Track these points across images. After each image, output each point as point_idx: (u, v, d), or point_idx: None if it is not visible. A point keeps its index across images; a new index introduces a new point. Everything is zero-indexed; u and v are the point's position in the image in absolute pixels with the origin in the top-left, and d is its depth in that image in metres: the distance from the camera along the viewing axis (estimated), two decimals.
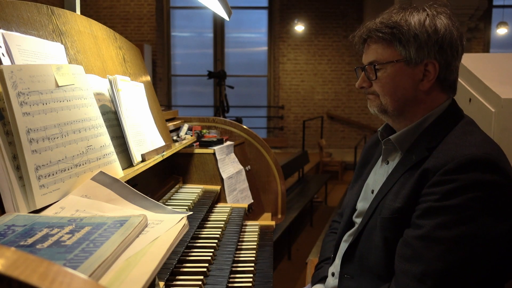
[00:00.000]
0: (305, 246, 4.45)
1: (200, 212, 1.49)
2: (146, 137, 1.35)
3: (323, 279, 1.35)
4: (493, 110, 1.71)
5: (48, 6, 1.11)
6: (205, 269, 1.14)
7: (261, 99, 10.66)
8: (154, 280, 0.84)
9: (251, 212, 2.05)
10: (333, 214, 5.01)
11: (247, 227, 1.75)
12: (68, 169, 0.90)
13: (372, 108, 1.20)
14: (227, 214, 1.68)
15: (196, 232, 1.40)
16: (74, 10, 1.45)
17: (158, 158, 1.34)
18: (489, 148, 1.01)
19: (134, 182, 1.27)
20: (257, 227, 1.75)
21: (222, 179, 1.89)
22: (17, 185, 0.79)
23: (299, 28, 9.99)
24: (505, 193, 0.97)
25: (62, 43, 1.10)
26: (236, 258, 1.35)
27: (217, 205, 1.82)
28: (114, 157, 1.08)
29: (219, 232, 1.44)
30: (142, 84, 1.48)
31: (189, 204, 1.54)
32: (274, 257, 1.48)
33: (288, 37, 10.21)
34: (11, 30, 0.93)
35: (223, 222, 1.56)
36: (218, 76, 7.35)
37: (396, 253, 1.04)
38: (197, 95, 10.67)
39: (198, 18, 10.50)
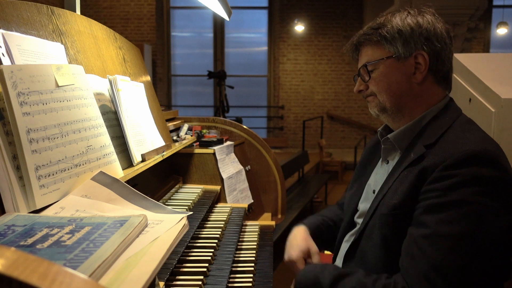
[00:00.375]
0: None
1: (200, 212, 1.49)
2: (146, 137, 1.35)
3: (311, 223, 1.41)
4: (493, 110, 1.71)
5: (48, 6, 1.11)
6: (205, 269, 1.14)
7: (261, 99, 10.67)
8: (154, 280, 0.84)
9: (251, 212, 2.05)
10: None
11: (247, 227, 1.75)
12: (68, 169, 0.90)
13: (372, 109, 1.22)
14: (227, 214, 1.68)
15: (196, 232, 1.40)
16: (74, 10, 1.45)
17: (158, 158, 1.34)
18: (488, 144, 1.01)
19: (134, 182, 1.27)
20: (257, 227, 1.75)
21: (222, 179, 1.89)
22: (17, 185, 0.79)
23: (299, 28, 9.99)
24: (504, 187, 0.97)
25: (62, 43, 1.10)
26: (236, 258, 1.35)
27: (217, 205, 1.82)
28: (114, 157, 1.08)
29: (219, 232, 1.44)
30: (142, 84, 1.48)
31: (189, 204, 1.54)
32: (274, 257, 1.48)
33: (288, 37, 10.21)
34: (11, 30, 0.93)
35: (223, 222, 1.57)
36: (218, 76, 7.34)
37: (402, 251, 1.04)
38: (197, 95, 10.67)
39: (198, 18, 10.50)
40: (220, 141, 2.00)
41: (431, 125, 1.12)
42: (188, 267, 1.16)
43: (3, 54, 0.86)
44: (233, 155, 2.09)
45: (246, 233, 1.67)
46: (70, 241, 0.67)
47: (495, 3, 9.92)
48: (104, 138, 1.06)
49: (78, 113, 0.97)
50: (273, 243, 1.62)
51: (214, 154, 1.89)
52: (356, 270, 1.10)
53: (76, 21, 1.23)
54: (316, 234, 1.39)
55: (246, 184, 2.09)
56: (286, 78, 10.30)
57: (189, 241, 1.28)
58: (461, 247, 0.95)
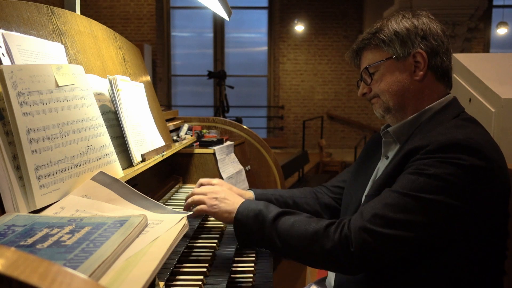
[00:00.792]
0: None
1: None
2: (146, 137, 1.35)
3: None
4: (493, 110, 1.71)
5: (48, 6, 1.11)
6: (205, 269, 1.14)
7: (261, 99, 10.66)
8: (154, 280, 0.84)
9: None
10: None
11: None
12: (68, 169, 0.90)
13: (377, 110, 1.25)
14: None
15: (196, 232, 1.40)
16: (74, 10, 1.45)
17: (158, 158, 1.34)
18: (475, 135, 1.03)
19: (134, 182, 1.27)
20: None
21: (222, 179, 1.89)
22: (17, 185, 0.79)
23: (299, 28, 9.99)
24: (484, 176, 0.98)
25: (62, 43, 1.10)
26: (236, 258, 1.35)
27: None
28: (114, 157, 1.08)
29: (219, 232, 1.44)
30: (142, 84, 1.48)
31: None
32: (274, 257, 1.48)
33: (288, 37, 10.21)
34: (11, 30, 0.93)
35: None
36: (218, 76, 7.34)
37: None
38: (197, 95, 10.67)
39: (198, 18, 10.50)
40: (220, 141, 2.00)
41: (430, 121, 1.14)
42: (188, 267, 1.16)
43: (3, 54, 0.86)
44: (233, 155, 2.09)
45: None
46: (70, 241, 0.68)
47: (495, 3, 9.92)
48: (104, 138, 1.06)
49: (78, 113, 0.97)
50: None
51: (214, 154, 1.89)
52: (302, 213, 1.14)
53: (76, 21, 1.23)
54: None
55: (246, 184, 2.09)
56: (286, 78, 10.30)
57: (189, 241, 1.28)
58: (415, 210, 0.97)
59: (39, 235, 0.69)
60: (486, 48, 10.06)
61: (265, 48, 10.58)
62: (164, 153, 1.40)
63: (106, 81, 1.25)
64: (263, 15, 10.59)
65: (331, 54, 10.17)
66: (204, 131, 2.13)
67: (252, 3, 10.60)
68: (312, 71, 10.26)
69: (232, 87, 7.61)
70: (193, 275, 1.11)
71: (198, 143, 1.98)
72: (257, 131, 2.58)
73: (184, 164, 1.91)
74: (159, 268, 0.69)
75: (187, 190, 1.78)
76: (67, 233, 0.71)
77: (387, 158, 1.24)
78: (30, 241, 0.67)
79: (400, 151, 1.13)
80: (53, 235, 0.69)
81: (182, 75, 10.66)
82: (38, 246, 0.65)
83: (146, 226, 0.84)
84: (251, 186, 2.13)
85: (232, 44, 10.69)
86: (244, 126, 2.26)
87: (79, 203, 0.87)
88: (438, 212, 0.98)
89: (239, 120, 7.09)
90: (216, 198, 1.21)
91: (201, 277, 1.10)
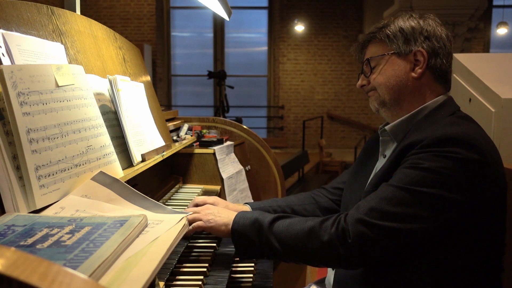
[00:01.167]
0: None
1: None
2: (146, 137, 1.35)
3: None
4: (493, 110, 1.71)
5: (48, 6, 1.11)
6: (205, 269, 1.14)
7: (261, 99, 10.66)
8: (154, 280, 0.84)
9: None
10: None
11: None
12: (68, 169, 0.90)
13: (372, 103, 1.27)
14: None
15: (196, 232, 1.40)
16: (74, 10, 1.45)
17: (158, 158, 1.34)
18: (470, 131, 1.04)
19: (134, 182, 1.27)
20: None
21: (222, 179, 1.89)
22: (17, 185, 0.79)
23: (299, 28, 9.99)
24: (478, 169, 0.99)
25: (62, 43, 1.10)
26: (236, 258, 1.35)
27: None
28: (114, 157, 1.08)
29: None
30: (142, 84, 1.48)
31: (189, 204, 1.54)
32: None
33: (288, 37, 10.21)
34: (11, 30, 0.93)
35: None
36: (218, 76, 7.34)
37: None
38: (197, 95, 10.67)
39: (198, 18, 10.50)
40: (220, 141, 2.00)
41: (426, 119, 1.16)
42: (188, 267, 1.16)
43: (3, 54, 0.86)
44: (233, 155, 2.09)
45: None
46: (70, 241, 0.68)
47: (495, 3, 9.92)
48: (104, 138, 1.06)
49: (78, 113, 0.97)
50: None
51: (214, 154, 1.89)
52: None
53: (76, 21, 1.23)
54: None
55: (246, 184, 2.09)
56: (286, 78, 10.30)
57: (189, 241, 1.28)
58: (409, 204, 0.98)
59: (39, 235, 0.69)
60: (486, 48, 10.06)
61: (265, 48, 10.58)
62: (164, 153, 1.40)
63: (106, 81, 1.25)
64: (263, 15, 10.59)
65: (331, 54, 10.17)
66: (204, 131, 2.13)
67: (252, 3, 10.60)
68: (312, 71, 10.26)
69: (232, 87, 7.61)
70: (193, 275, 1.11)
71: (198, 143, 1.98)
72: (257, 131, 2.58)
73: (184, 164, 1.91)
74: (159, 268, 0.69)
75: (187, 190, 1.78)
76: (67, 233, 0.71)
77: (385, 157, 1.25)
78: (30, 241, 0.67)
79: (397, 148, 1.14)
80: (53, 235, 0.69)
81: (182, 75, 10.66)
82: (38, 246, 0.65)
83: (146, 226, 0.84)
84: (251, 186, 2.13)
85: (232, 44, 10.69)
86: (244, 126, 2.26)
87: (79, 203, 0.87)
88: (434, 205, 0.98)
89: (239, 120, 7.08)
90: (211, 213, 1.20)
91: (201, 277, 1.10)
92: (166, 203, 1.54)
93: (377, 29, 1.24)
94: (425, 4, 5.66)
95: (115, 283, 0.61)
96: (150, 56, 9.60)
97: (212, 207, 1.25)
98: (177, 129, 2.01)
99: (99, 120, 1.05)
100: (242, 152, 2.21)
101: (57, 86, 0.92)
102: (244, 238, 1.12)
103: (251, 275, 1.27)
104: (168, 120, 1.94)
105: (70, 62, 1.11)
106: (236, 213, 1.19)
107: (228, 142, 2.07)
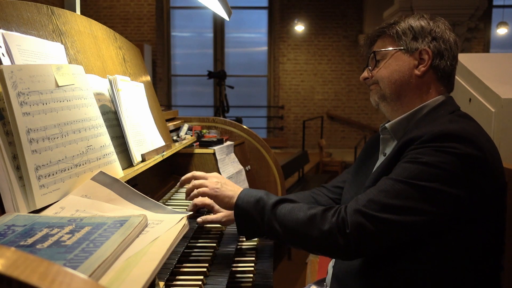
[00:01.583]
0: None
1: (200, 212, 1.49)
2: (146, 137, 1.35)
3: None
4: (493, 110, 1.71)
5: (48, 6, 1.11)
6: (205, 269, 1.14)
7: (261, 99, 10.67)
8: (154, 280, 0.84)
9: None
10: None
11: None
12: (68, 169, 0.90)
13: (373, 97, 1.28)
14: None
15: (196, 232, 1.40)
16: (74, 10, 1.45)
17: (158, 158, 1.34)
18: (469, 128, 1.05)
19: (134, 182, 1.27)
20: None
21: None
22: (17, 185, 0.79)
23: (299, 28, 9.99)
24: (477, 164, 1.00)
25: (62, 43, 1.10)
26: (236, 258, 1.35)
27: None
28: (114, 157, 1.08)
29: (219, 232, 1.44)
30: (142, 84, 1.48)
31: (189, 204, 1.54)
32: (274, 257, 1.48)
33: (288, 37, 10.21)
34: (11, 30, 0.93)
35: None
36: (218, 76, 7.34)
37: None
38: (197, 95, 10.67)
39: (198, 18, 10.50)
40: (220, 141, 2.00)
41: (426, 117, 1.17)
42: (188, 267, 1.16)
43: (3, 54, 0.86)
44: (233, 155, 2.09)
45: None
46: (70, 241, 0.68)
47: (495, 3, 9.92)
48: (104, 138, 1.06)
49: (78, 113, 0.97)
50: (273, 243, 1.62)
51: (214, 154, 1.89)
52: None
53: (76, 21, 1.23)
54: None
55: (246, 184, 2.09)
56: (286, 78, 10.30)
57: (189, 241, 1.28)
58: (409, 197, 0.99)
59: (39, 235, 0.69)
60: (486, 48, 10.06)
61: (265, 48, 10.58)
62: (164, 153, 1.40)
63: (106, 81, 1.25)
64: (263, 15, 10.59)
65: (331, 54, 10.17)
66: (204, 131, 2.13)
67: (252, 3, 10.60)
68: (312, 71, 10.26)
69: (232, 87, 7.61)
70: (193, 275, 1.11)
71: (198, 143, 1.98)
72: (257, 131, 2.58)
73: (184, 164, 1.91)
74: (159, 268, 0.69)
75: None
76: (67, 233, 0.71)
77: (385, 155, 1.26)
78: (30, 241, 0.67)
79: (396, 145, 1.14)
80: (53, 235, 0.69)
81: (182, 75, 10.66)
82: (38, 246, 0.65)
83: (146, 226, 0.84)
84: (251, 186, 2.13)
85: (232, 44, 10.69)
86: (244, 126, 2.26)
87: (79, 203, 0.87)
88: (432, 199, 0.99)
89: (239, 120, 7.09)
90: (218, 182, 1.21)
91: (201, 277, 1.10)
92: (166, 203, 1.54)
93: (387, 25, 1.26)
94: (425, 4, 5.66)
95: (115, 283, 0.61)
96: (150, 56, 9.60)
97: (220, 176, 1.26)
98: (177, 129, 2.01)
99: (99, 120, 1.05)
100: (242, 152, 2.21)
101: (57, 86, 0.92)
102: (246, 215, 1.13)
103: (251, 275, 1.27)
104: (168, 120, 1.94)
105: (70, 62, 1.11)
106: (242, 188, 1.20)
107: (228, 142, 2.07)
